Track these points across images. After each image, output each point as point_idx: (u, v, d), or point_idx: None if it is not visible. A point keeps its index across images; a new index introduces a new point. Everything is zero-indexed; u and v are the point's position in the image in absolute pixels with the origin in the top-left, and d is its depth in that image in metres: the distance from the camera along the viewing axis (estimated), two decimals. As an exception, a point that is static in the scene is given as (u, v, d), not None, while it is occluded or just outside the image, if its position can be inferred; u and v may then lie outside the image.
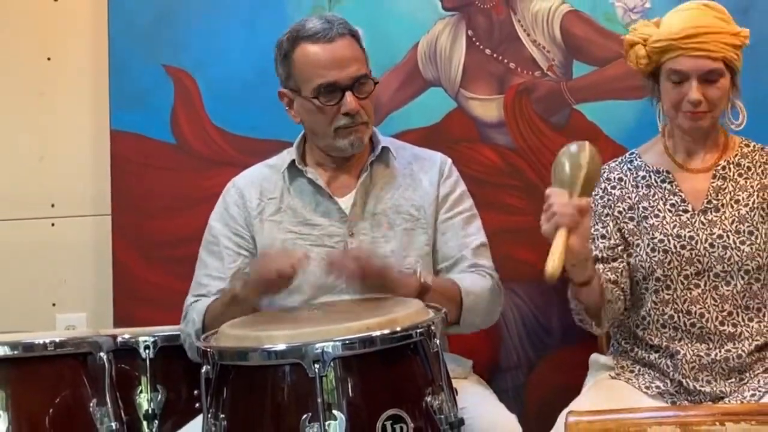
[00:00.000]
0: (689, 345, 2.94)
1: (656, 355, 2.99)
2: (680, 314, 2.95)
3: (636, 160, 3.11)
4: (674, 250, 2.95)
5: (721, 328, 2.93)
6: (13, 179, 3.80)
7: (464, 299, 2.90)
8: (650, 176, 3.06)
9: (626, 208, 3.05)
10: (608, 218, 3.06)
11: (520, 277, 3.45)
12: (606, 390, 2.98)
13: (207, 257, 3.07)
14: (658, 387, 2.95)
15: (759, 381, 2.89)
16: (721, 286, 2.94)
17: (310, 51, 2.94)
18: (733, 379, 2.92)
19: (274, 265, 2.74)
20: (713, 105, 2.94)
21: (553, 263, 2.64)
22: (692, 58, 2.90)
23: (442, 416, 2.40)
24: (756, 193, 2.99)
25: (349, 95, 2.93)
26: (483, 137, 3.59)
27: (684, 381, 2.93)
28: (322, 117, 2.97)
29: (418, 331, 2.43)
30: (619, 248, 3.03)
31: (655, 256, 2.97)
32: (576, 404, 2.89)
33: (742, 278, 2.93)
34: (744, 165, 3.03)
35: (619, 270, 3.01)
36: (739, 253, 2.93)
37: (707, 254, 2.94)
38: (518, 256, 3.46)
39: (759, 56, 3.22)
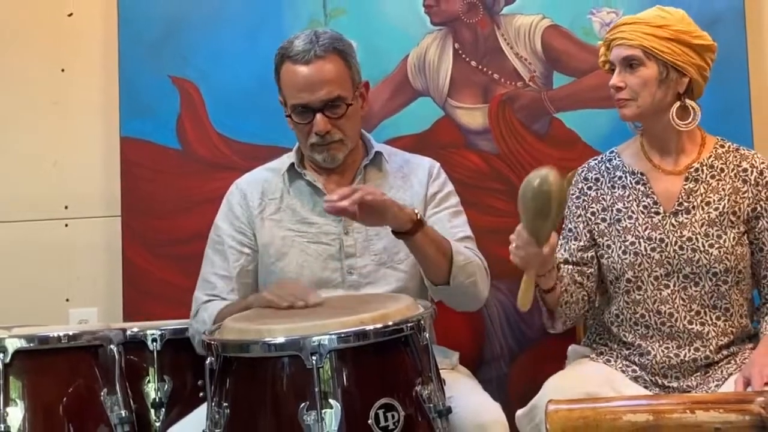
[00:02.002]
0: (660, 343, 2.92)
1: (627, 353, 2.97)
2: (651, 313, 2.93)
3: (615, 159, 3.07)
4: (645, 253, 2.93)
5: (690, 327, 2.90)
6: (29, 183, 3.79)
7: (455, 257, 2.87)
8: (626, 177, 3.02)
9: (600, 209, 3.02)
10: (580, 219, 3.04)
11: (502, 275, 3.41)
12: (586, 367, 2.98)
13: (213, 255, 3.07)
14: (634, 371, 2.94)
15: (722, 371, 2.88)
16: (690, 287, 2.91)
17: (289, 71, 2.95)
18: (699, 373, 2.90)
19: (288, 299, 2.72)
20: (634, 92, 2.91)
21: (525, 299, 2.72)
22: (616, 47, 2.94)
23: (431, 405, 2.42)
24: (727, 197, 2.94)
25: (318, 116, 2.92)
26: (469, 143, 3.58)
27: (653, 379, 2.92)
28: (298, 132, 3.00)
29: (409, 325, 2.44)
30: (589, 253, 3.01)
31: (626, 259, 2.94)
32: (559, 375, 2.90)
33: (710, 280, 2.90)
34: (717, 167, 2.97)
35: (587, 274, 3.00)
36: (707, 256, 2.89)
37: (676, 256, 2.91)
38: (501, 254, 3.40)
39: (727, 66, 3.23)
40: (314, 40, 2.94)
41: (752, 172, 2.96)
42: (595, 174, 3.07)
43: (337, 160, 3.01)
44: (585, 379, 2.84)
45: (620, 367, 2.95)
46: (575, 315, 3.00)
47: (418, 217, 2.80)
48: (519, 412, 2.80)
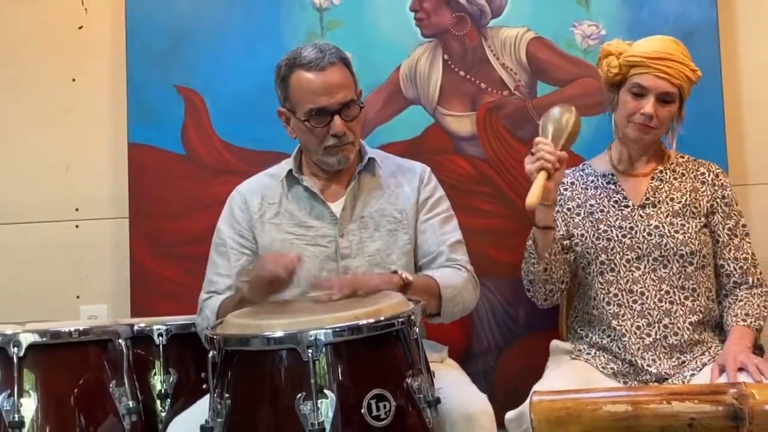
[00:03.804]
0: (631, 321, 2.99)
1: (608, 340, 3.02)
2: (623, 292, 3.02)
3: (587, 168, 3.22)
4: (616, 239, 3.04)
5: (660, 304, 2.99)
6: (41, 186, 3.79)
7: (443, 292, 2.90)
8: (597, 179, 3.15)
9: (575, 205, 3.14)
10: (558, 214, 3.14)
11: (490, 273, 3.45)
12: (568, 369, 3.01)
13: (216, 258, 3.08)
14: (612, 368, 2.98)
15: (697, 362, 2.94)
16: (659, 269, 3.01)
17: (303, 78, 2.93)
18: (675, 361, 2.95)
19: (270, 268, 2.74)
20: (661, 123, 3.03)
21: (533, 196, 2.82)
22: (656, 77, 2.99)
23: (421, 395, 2.43)
24: (688, 194, 3.08)
25: (337, 119, 2.92)
26: (457, 149, 3.59)
27: (633, 360, 2.96)
28: (313, 137, 2.97)
29: (400, 320, 2.45)
30: (566, 242, 3.11)
31: (599, 244, 3.05)
32: (543, 382, 2.91)
33: (677, 262, 3.00)
34: (679, 171, 3.12)
35: (566, 255, 3.09)
36: (673, 240, 3.00)
37: (645, 242, 3.02)
38: (488, 254, 3.47)
39: (701, 76, 3.21)
40: (323, 49, 2.94)
41: (709, 174, 3.12)
42: (571, 179, 3.20)
43: (348, 161, 3.02)
44: (569, 381, 2.85)
45: (600, 365, 3.00)
46: (557, 278, 3.07)
47: (404, 280, 2.81)
48: (508, 416, 2.81)
